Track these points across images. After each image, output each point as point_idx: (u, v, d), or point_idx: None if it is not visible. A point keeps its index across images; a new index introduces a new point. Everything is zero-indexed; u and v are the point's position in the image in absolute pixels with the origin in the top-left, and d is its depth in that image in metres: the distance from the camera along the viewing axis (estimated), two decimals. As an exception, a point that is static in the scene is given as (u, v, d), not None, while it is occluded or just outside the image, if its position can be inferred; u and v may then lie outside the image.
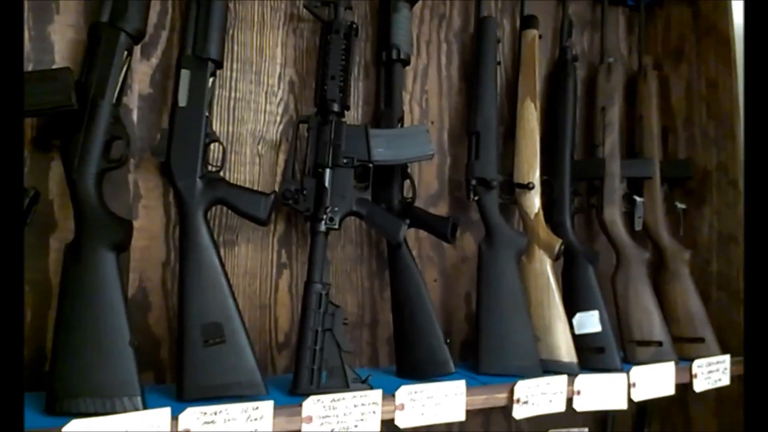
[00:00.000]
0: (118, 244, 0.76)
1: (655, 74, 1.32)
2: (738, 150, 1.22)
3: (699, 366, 1.11)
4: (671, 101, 1.36)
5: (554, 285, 1.06)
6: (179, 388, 0.78)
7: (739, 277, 1.22)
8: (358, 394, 0.79)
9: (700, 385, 1.10)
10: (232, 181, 0.97)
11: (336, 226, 0.93)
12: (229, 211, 0.91)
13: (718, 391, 1.15)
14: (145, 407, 0.71)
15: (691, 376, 1.10)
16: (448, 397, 0.86)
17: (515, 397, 0.91)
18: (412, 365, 0.95)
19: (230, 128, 1.00)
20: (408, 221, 0.98)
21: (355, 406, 0.78)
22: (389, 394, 0.83)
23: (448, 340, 0.94)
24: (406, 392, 0.83)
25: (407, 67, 1.12)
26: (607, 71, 1.27)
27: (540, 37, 1.20)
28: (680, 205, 1.28)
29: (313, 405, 0.76)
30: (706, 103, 1.29)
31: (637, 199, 1.23)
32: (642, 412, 1.33)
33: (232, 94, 1.00)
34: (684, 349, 1.15)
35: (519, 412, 0.91)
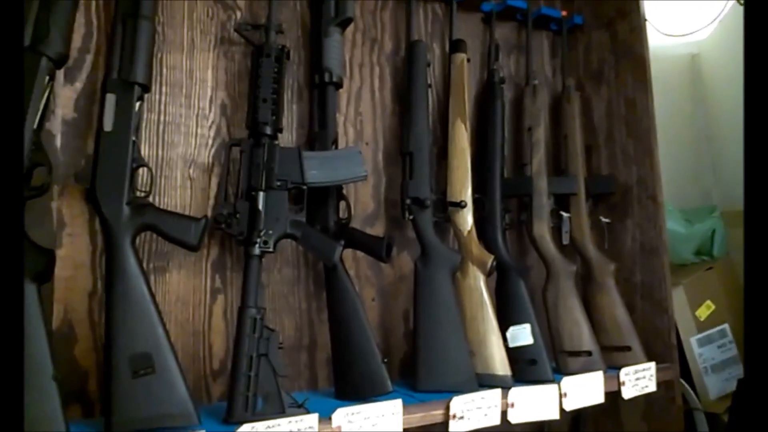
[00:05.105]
0: (39, 274, 0.73)
1: (578, 95, 1.37)
2: (655, 166, 1.29)
3: (626, 374, 1.14)
4: (593, 120, 1.43)
5: (488, 300, 1.08)
6: (107, 421, 0.76)
7: (661, 287, 1.28)
8: (294, 419, 0.79)
9: (628, 392, 1.14)
10: (162, 206, 0.96)
11: (270, 249, 0.92)
12: (160, 237, 0.89)
13: (646, 397, 1.19)
14: (70, 443, 0.69)
15: (620, 384, 1.13)
16: (384, 417, 0.86)
17: (451, 413, 0.92)
18: (350, 386, 0.95)
19: (160, 152, 0.98)
20: (343, 242, 0.98)
21: (290, 431, 0.78)
22: (326, 417, 0.82)
23: (385, 359, 0.95)
24: (342, 414, 0.83)
25: (341, 90, 1.13)
26: (533, 93, 1.32)
27: (468, 60, 1.23)
28: (604, 219, 1.33)
29: (247, 433, 0.75)
30: (626, 122, 1.36)
31: (564, 214, 1.28)
32: (576, 419, 1.37)
33: (162, 118, 0.99)
34: (612, 358, 1.19)
35: (455, 427, 0.93)
